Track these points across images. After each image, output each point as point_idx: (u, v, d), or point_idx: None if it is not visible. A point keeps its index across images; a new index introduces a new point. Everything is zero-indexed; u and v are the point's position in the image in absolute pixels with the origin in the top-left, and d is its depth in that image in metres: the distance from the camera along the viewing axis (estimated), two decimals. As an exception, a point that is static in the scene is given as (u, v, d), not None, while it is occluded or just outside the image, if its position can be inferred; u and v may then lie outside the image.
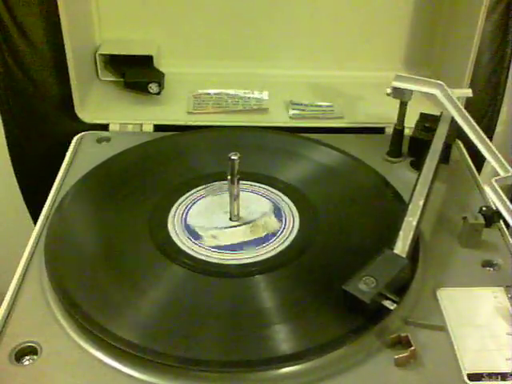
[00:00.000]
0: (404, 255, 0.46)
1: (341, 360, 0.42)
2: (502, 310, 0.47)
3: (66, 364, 0.42)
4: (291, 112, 0.72)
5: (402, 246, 0.47)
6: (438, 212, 0.57)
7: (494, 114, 0.82)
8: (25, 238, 0.53)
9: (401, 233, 0.48)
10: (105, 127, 0.70)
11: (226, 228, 0.54)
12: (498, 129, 0.84)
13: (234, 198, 0.54)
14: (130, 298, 0.46)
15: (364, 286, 0.43)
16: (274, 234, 0.53)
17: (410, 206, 0.51)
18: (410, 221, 0.49)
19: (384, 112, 0.69)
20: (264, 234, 0.53)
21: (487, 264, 0.51)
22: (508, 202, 0.48)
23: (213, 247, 0.51)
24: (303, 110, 0.72)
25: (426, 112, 0.64)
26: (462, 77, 0.68)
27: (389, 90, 0.61)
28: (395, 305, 0.43)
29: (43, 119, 0.77)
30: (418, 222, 0.49)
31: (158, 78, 0.72)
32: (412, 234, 0.48)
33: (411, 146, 0.64)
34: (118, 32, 0.75)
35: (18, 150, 0.79)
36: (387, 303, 0.43)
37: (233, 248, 0.52)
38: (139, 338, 0.43)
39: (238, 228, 0.54)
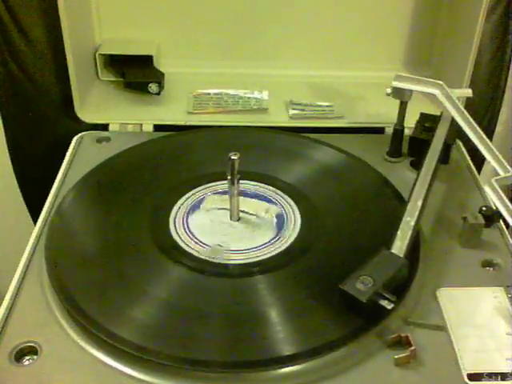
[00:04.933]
0: (402, 255, 0.46)
1: (341, 360, 0.42)
2: (502, 310, 0.47)
3: (66, 364, 0.42)
4: (291, 112, 0.72)
5: (399, 246, 0.47)
6: (437, 212, 0.57)
7: (494, 114, 0.82)
8: (25, 238, 0.53)
9: (399, 232, 0.48)
10: (105, 127, 0.70)
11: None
12: (498, 129, 0.84)
13: (234, 197, 0.54)
14: (130, 298, 0.46)
15: (361, 286, 0.43)
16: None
17: (409, 206, 0.51)
18: (408, 220, 0.49)
19: (384, 112, 0.69)
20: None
21: (487, 264, 0.51)
22: (508, 202, 0.48)
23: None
24: (303, 110, 0.72)
25: (425, 112, 0.64)
26: (461, 77, 0.68)
27: (389, 90, 0.61)
28: (392, 304, 0.42)
29: (43, 119, 0.77)
30: (417, 222, 0.49)
31: (158, 78, 0.72)
32: (410, 233, 0.48)
33: (411, 145, 0.64)
34: (118, 32, 0.75)
35: (18, 150, 0.79)
36: (385, 303, 0.43)
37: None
38: (139, 338, 0.43)
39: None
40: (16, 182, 0.81)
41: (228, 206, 0.55)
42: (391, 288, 0.44)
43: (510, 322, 0.46)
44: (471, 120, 0.56)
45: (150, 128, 0.70)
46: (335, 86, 0.77)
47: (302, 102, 0.73)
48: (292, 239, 0.52)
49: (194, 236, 0.53)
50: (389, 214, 0.54)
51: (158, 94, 0.72)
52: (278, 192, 0.58)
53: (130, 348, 0.42)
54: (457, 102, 0.58)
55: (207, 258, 0.50)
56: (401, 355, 0.42)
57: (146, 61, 0.74)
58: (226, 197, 0.54)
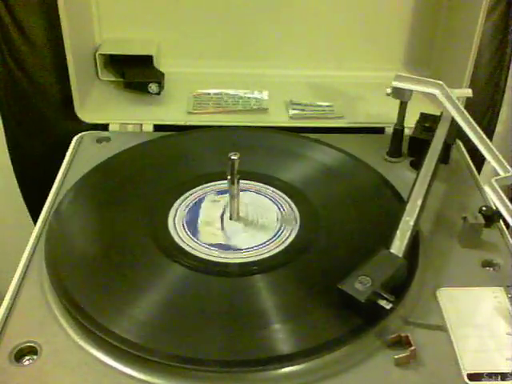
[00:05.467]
0: (401, 255, 0.46)
1: (341, 360, 0.42)
2: (502, 310, 0.47)
3: (66, 364, 0.42)
4: (291, 112, 0.72)
5: (398, 246, 0.47)
6: (437, 212, 0.57)
7: (494, 114, 0.82)
8: (25, 238, 0.53)
9: (398, 232, 0.48)
10: (105, 127, 0.70)
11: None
12: (498, 129, 0.84)
13: (234, 197, 0.54)
14: (130, 298, 0.46)
15: (359, 285, 0.43)
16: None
17: (408, 206, 0.51)
18: (408, 220, 0.49)
19: (384, 112, 0.69)
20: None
21: (487, 264, 0.51)
22: (508, 202, 0.48)
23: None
24: (303, 110, 0.72)
25: (426, 112, 0.64)
26: (461, 77, 0.68)
27: (389, 90, 0.61)
28: (391, 304, 0.42)
29: (43, 119, 0.77)
30: (416, 222, 0.49)
31: (158, 78, 0.72)
32: (409, 233, 0.48)
33: (411, 146, 0.64)
34: (118, 32, 0.75)
35: (18, 150, 0.79)
36: (383, 303, 0.43)
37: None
38: (139, 337, 0.43)
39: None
40: (16, 182, 0.81)
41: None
42: (390, 288, 0.44)
43: (510, 322, 0.46)
44: (471, 120, 0.56)
45: (150, 128, 0.70)
46: (335, 86, 0.77)
47: (301, 102, 0.73)
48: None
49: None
50: (388, 214, 0.54)
51: (158, 94, 0.72)
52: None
53: (129, 348, 0.42)
54: (457, 102, 0.58)
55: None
56: (401, 355, 0.42)
57: (145, 61, 0.74)
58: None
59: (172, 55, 0.77)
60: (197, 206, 0.56)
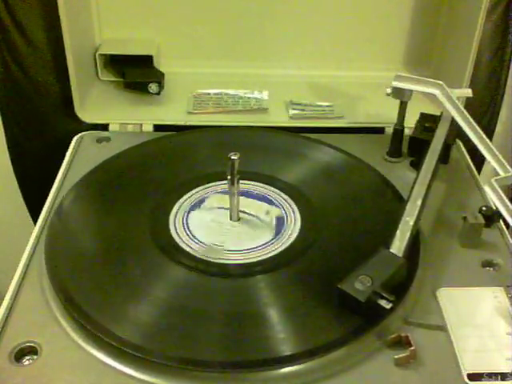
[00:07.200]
0: (400, 254, 0.46)
1: (341, 360, 0.42)
2: (502, 310, 0.47)
3: (66, 364, 0.42)
4: (291, 112, 0.72)
5: (398, 246, 0.47)
6: (437, 212, 0.57)
7: (494, 114, 0.82)
8: (25, 238, 0.53)
9: (398, 232, 0.48)
10: (105, 127, 0.70)
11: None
12: (498, 129, 0.84)
13: (234, 197, 0.54)
14: (130, 298, 0.46)
15: (359, 285, 0.43)
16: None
17: (408, 206, 0.51)
18: (408, 220, 0.49)
19: (384, 112, 0.69)
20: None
21: (487, 264, 0.51)
22: (508, 202, 0.48)
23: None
24: (303, 110, 0.72)
25: (425, 112, 0.64)
26: (461, 77, 0.68)
27: (389, 90, 0.61)
28: (391, 304, 0.42)
29: (43, 119, 0.77)
30: (416, 222, 0.49)
31: (158, 77, 0.72)
32: (409, 233, 0.48)
33: (411, 145, 0.64)
34: (118, 32, 0.75)
35: (18, 150, 0.79)
36: (383, 302, 0.43)
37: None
38: (139, 337, 0.43)
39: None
40: (16, 182, 0.81)
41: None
42: (390, 288, 0.44)
43: (510, 322, 0.46)
44: (471, 120, 0.56)
45: (150, 128, 0.70)
46: (335, 86, 0.77)
47: (302, 102, 0.73)
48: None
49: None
50: (388, 214, 0.54)
51: (158, 94, 0.72)
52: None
53: (130, 348, 0.42)
54: (457, 102, 0.58)
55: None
56: (401, 355, 0.42)
57: (146, 61, 0.74)
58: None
59: (172, 55, 0.77)
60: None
